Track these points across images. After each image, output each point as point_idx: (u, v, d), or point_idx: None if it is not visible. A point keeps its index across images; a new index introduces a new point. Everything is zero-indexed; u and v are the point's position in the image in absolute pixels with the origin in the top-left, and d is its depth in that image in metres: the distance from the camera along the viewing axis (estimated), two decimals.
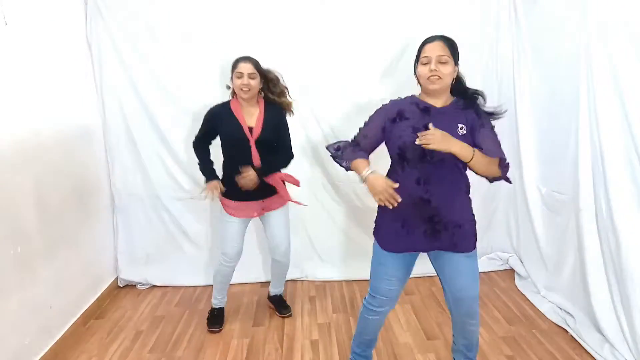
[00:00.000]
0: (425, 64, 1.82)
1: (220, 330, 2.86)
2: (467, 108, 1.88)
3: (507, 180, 1.93)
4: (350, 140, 2.07)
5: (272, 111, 2.61)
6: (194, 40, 3.19)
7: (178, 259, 3.55)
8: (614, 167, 2.23)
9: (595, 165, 2.36)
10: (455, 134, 1.79)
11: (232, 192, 2.62)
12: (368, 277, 2.09)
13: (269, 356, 2.60)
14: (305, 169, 3.38)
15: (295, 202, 2.77)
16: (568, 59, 2.55)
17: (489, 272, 3.46)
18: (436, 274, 2.05)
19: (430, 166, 1.82)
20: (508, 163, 1.87)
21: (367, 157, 1.99)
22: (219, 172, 2.74)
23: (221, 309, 2.96)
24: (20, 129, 2.46)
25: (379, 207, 2.00)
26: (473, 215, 1.98)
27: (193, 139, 2.78)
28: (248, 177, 2.51)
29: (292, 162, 2.74)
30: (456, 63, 1.86)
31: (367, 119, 2.03)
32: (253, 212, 2.70)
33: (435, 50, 1.80)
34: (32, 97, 2.58)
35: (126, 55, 3.22)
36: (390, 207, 1.82)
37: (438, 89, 1.83)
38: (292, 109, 2.70)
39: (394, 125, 1.90)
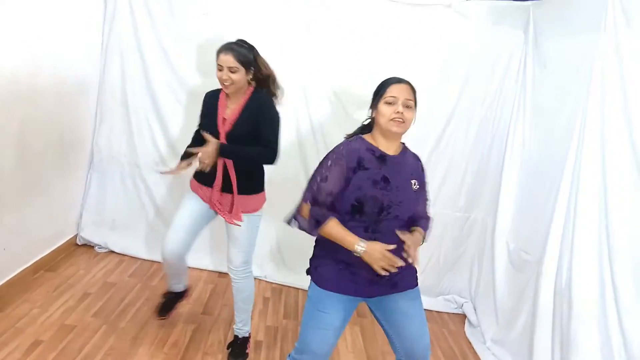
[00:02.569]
0: (390, 103, 1.73)
1: (165, 318, 2.71)
2: (415, 159, 1.90)
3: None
4: (304, 202, 1.83)
5: (256, 104, 2.30)
6: (209, 22, 3.18)
7: (143, 230, 3.52)
8: (583, 240, 2.29)
9: (566, 235, 2.42)
10: (409, 189, 1.78)
11: (197, 173, 2.39)
12: None
13: (211, 347, 2.59)
14: (290, 168, 3.37)
15: (231, 222, 2.34)
16: (564, 126, 2.62)
17: (442, 312, 3.50)
18: (381, 326, 1.93)
19: (384, 219, 1.74)
20: (430, 219, 1.93)
21: (338, 219, 1.74)
22: None
23: (173, 294, 2.70)
24: (18, 68, 2.43)
25: (317, 245, 1.90)
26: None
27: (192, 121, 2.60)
28: (207, 147, 2.20)
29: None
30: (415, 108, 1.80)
31: (320, 163, 1.84)
32: (204, 197, 2.38)
33: (403, 93, 1.74)
34: (37, 40, 2.56)
35: (140, 20, 3.22)
36: (389, 273, 1.66)
37: (400, 132, 1.76)
38: (277, 92, 2.41)
39: (354, 175, 1.73)
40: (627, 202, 2.16)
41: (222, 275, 3.40)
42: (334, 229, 1.70)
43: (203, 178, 2.35)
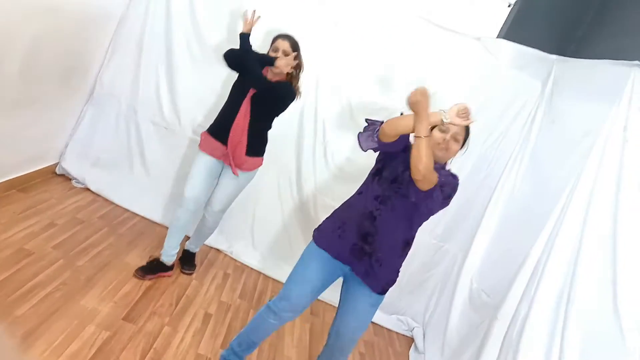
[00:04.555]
0: (443, 131, 1.96)
1: (140, 279, 2.71)
2: (448, 175, 2.01)
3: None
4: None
5: (283, 84, 2.66)
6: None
7: (123, 177, 3.49)
8: (543, 299, 2.32)
9: (528, 290, 2.45)
10: (433, 196, 1.91)
11: (212, 126, 2.77)
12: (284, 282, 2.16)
13: (161, 307, 2.59)
14: (284, 154, 3.39)
15: (235, 172, 2.73)
16: (555, 186, 2.64)
17: (392, 330, 3.54)
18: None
19: (394, 193, 1.96)
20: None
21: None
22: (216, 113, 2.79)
23: (160, 264, 2.81)
24: None
25: (334, 210, 2.15)
26: (398, 272, 2.12)
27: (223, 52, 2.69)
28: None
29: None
30: (462, 146, 2.04)
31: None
32: (217, 152, 2.72)
33: (456, 128, 1.94)
34: None
35: None
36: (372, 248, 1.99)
37: (441, 157, 1.98)
38: (299, 87, 2.75)
39: (400, 154, 2.00)
40: (594, 277, 2.19)
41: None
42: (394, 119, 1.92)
43: (214, 131, 2.73)
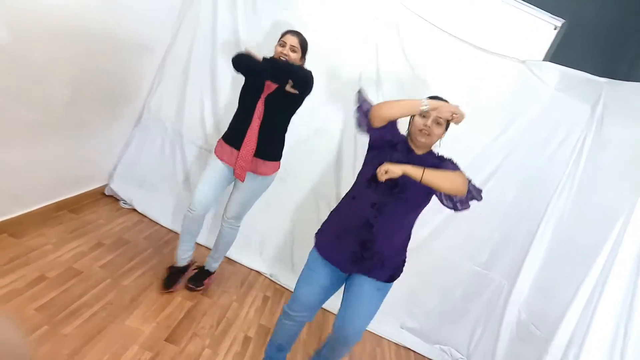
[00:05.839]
0: (424, 116, 1.98)
1: (169, 292, 2.77)
2: (435, 159, 2.07)
3: (477, 197, 2.09)
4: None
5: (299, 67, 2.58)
6: (286, 19, 3.22)
7: (168, 198, 3.57)
8: (598, 333, 2.20)
9: (581, 323, 2.33)
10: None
11: (226, 133, 2.71)
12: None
13: (202, 329, 2.60)
14: (323, 176, 3.39)
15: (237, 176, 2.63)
16: (609, 213, 2.52)
17: None
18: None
19: (391, 199, 1.97)
20: (473, 184, 2.07)
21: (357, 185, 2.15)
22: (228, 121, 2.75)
23: (177, 269, 2.85)
24: (96, 12, 2.52)
25: (330, 213, 2.20)
26: (404, 261, 2.16)
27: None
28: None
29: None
30: (446, 129, 2.04)
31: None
32: (230, 157, 2.63)
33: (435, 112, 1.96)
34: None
35: (221, 1, 3.28)
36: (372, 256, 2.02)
37: (424, 143, 2.01)
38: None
39: (387, 146, 2.04)
40: None
41: (230, 262, 3.41)
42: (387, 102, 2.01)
43: (229, 138, 2.66)
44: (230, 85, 3.37)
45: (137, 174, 3.58)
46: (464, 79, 3.18)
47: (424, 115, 1.97)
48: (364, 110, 2.16)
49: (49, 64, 2.37)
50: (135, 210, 3.54)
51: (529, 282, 3.03)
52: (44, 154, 2.67)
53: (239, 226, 2.89)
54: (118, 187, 3.56)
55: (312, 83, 2.54)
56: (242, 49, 3.17)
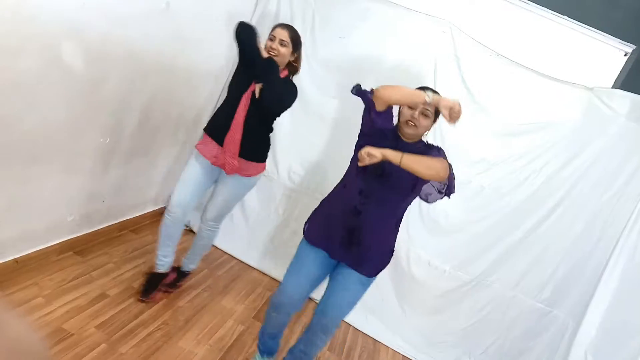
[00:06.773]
0: (411, 108, 1.99)
1: (146, 301, 2.61)
2: (430, 148, 2.08)
3: (450, 190, 2.07)
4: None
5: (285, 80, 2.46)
6: (347, 46, 3.27)
7: (225, 222, 3.63)
8: None
9: None
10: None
11: (210, 125, 2.56)
12: None
13: (253, 353, 2.59)
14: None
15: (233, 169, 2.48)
16: None
17: None
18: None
19: (379, 186, 2.00)
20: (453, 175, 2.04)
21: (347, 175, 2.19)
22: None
23: (156, 275, 2.68)
24: (164, 46, 2.65)
25: (321, 202, 2.24)
26: (392, 251, 2.17)
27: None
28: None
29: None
30: (434, 121, 2.05)
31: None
32: (212, 152, 2.49)
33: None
34: (186, 24, 2.77)
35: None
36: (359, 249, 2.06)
37: (411, 134, 2.03)
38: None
39: (377, 134, 2.04)
40: None
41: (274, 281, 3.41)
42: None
43: (211, 131, 2.51)
44: (287, 113, 3.40)
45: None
46: (527, 107, 3.09)
47: (411, 107, 1.99)
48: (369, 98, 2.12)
49: (123, 95, 2.52)
50: (192, 231, 3.63)
51: (596, 321, 2.84)
52: (110, 177, 2.80)
53: (218, 227, 2.80)
54: None
55: (287, 102, 2.43)
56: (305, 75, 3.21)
